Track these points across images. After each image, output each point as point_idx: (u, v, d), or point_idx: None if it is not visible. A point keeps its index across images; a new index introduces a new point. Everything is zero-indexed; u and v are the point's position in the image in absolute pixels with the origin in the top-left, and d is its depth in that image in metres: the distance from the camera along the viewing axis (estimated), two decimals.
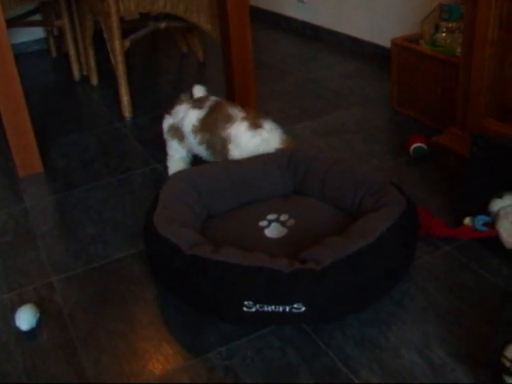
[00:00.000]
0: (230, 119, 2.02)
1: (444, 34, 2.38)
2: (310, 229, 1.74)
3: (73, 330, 1.56)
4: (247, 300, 1.43)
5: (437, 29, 2.42)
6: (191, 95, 2.22)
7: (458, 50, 2.21)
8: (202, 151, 2.11)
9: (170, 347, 1.48)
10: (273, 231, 1.75)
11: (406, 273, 1.64)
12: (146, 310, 1.62)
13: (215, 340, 1.49)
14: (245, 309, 1.44)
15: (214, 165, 1.94)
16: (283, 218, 1.80)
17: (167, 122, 2.19)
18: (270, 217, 1.81)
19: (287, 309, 1.42)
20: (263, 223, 1.79)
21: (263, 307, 1.43)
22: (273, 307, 1.43)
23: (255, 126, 1.99)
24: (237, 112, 2.05)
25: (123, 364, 1.45)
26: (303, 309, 1.42)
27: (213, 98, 2.15)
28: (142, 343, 1.51)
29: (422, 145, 2.23)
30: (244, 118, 2.02)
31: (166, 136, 2.21)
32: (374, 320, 1.51)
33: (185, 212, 1.74)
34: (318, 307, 1.44)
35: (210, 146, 2.06)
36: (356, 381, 1.35)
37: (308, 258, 1.49)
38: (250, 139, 1.98)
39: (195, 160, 2.20)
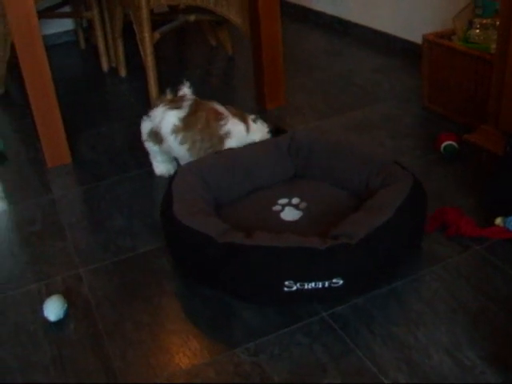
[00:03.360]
0: (221, 116, 2.02)
1: (478, 31, 2.34)
2: (325, 209, 1.80)
3: (100, 321, 1.57)
4: (287, 280, 1.47)
5: (470, 25, 2.38)
6: (176, 93, 2.18)
7: (493, 46, 2.17)
8: (181, 151, 2.06)
9: (196, 341, 1.48)
10: (288, 214, 1.79)
11: (421, 238, 1.73)
12: (173, 303, 1.62)
13: (242, 336, 1.48)
14: (285, 289, 1.48)
15: (218, 155, 1.94)
16: (295, 201, 1.85)
17: (146, 125, 2.15)
18: (282, 201, 1.85)
19: (326, 284, 1.48)
20: (276, 208, 1.83)
21: (303, 285, 1.47)
22: (313, 284, 1.47)
23: (245, 122, 2.03)
24: (224, 109, 2.05)
25: (150, 357, 1.45)
26: (341, 282, 1.48)
27: (190, 97, 2.11)
28: (169, 337, 1.51)
29: (453, 143, 2.20)
30: (234, 115, 2.03)
31: (146, 140, 2.17)
32: (402, 319, 1.50)
33: (201, 202, 1.74)
34: (355, 279, 1.52)
35: (193, 144, 2.03)
36: (385, 381, 1.33)
37: (339, 234, 1.54)
38: (247, 135, 2.01)
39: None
